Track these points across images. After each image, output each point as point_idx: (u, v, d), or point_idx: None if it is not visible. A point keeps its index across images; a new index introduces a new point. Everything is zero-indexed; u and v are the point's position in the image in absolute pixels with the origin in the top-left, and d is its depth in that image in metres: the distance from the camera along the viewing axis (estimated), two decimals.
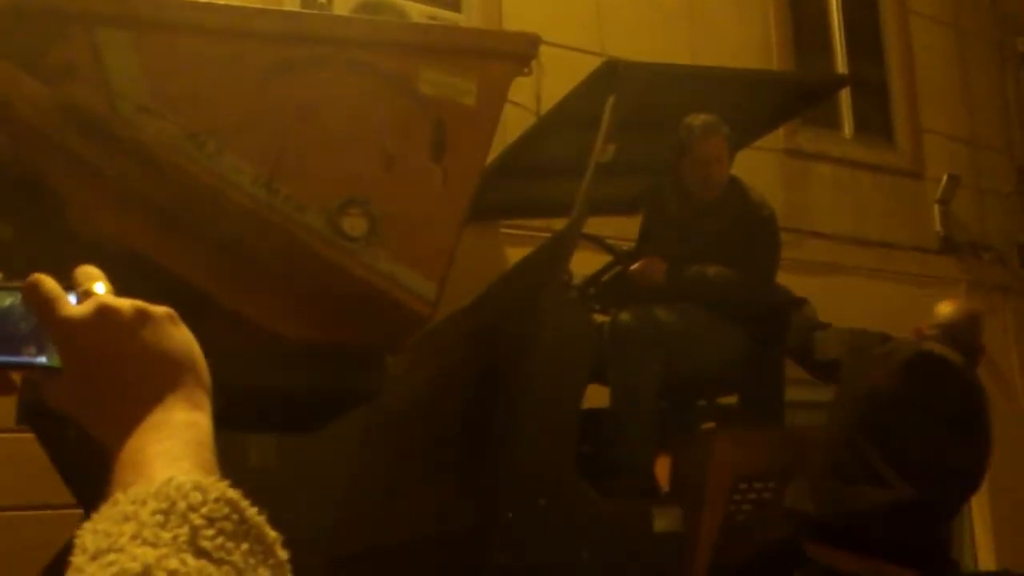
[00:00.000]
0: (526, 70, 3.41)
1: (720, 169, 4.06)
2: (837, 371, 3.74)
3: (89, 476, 3.36)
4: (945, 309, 3.81)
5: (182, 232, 2.98)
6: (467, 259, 3.76)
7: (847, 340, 3.84)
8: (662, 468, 3.70)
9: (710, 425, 4.09)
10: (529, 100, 5.65)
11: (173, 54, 2.92)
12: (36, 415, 3.38)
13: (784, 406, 4.25)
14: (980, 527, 7.62)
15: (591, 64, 4.41)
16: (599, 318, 4.11)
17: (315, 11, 4.91)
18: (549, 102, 4.57)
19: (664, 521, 3.60)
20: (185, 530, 0.74)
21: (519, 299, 3.71)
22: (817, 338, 3.89)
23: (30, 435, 3.56)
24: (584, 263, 4.17)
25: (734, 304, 3.90)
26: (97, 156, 2.85)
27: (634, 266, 3.99)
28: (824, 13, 7.97)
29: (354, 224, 3.08)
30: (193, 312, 3.40)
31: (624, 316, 3.83)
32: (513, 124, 4.80)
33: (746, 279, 3.89)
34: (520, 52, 3.40)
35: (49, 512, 4.24)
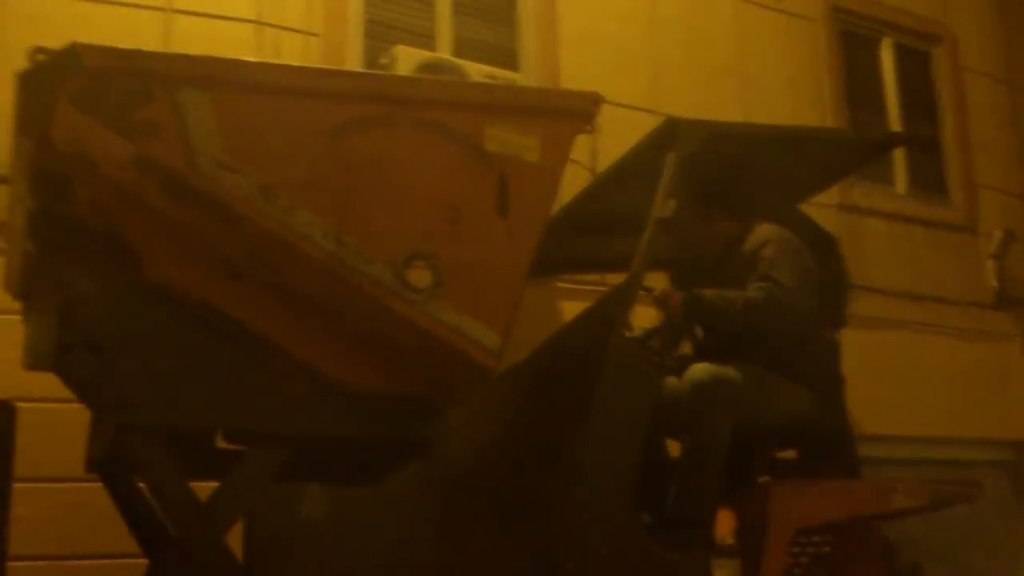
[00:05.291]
0: (588, 127, 3.48)
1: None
2: None
3: (153, 525, 3.42)
4: None
5: (253, 283, 3.06)
6: (521, 312, 3.80)
7: None
8: (722, 520, 3.70)
9: (767, 478, 4.10)
10: (585, 157, 5.72)
11: (249, 112, 3.02)
12: (104, 464, 3.45)
13: (852, 459, 4.24)
14: None
15: (645, 120, 4.47)
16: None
17: (382, 71, 5.03)
18: (604, 158, 4.61)
19: (724, 573, 3.60)
20: None
21: (581, 350, 3.74)
22: None
23: (98, 484, 3.63)
24: (643, 317, 4.21)
25: (765, 322, 3.89)
26: (174, 210, 2.94)
27: (655, 294, 4.02)
28: (877, 69, 8.01)
29: (420, 276, 3.14)
30: (261, 362, 3.45)
31: (698, 373, 3.85)
32: (568, 181, 4.85)
33: (767, 295, 3.89)
34: (582, 110, 3.48)
35: (114, 561, 4.30)
